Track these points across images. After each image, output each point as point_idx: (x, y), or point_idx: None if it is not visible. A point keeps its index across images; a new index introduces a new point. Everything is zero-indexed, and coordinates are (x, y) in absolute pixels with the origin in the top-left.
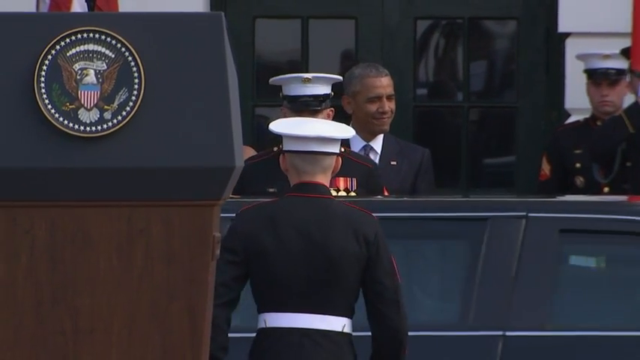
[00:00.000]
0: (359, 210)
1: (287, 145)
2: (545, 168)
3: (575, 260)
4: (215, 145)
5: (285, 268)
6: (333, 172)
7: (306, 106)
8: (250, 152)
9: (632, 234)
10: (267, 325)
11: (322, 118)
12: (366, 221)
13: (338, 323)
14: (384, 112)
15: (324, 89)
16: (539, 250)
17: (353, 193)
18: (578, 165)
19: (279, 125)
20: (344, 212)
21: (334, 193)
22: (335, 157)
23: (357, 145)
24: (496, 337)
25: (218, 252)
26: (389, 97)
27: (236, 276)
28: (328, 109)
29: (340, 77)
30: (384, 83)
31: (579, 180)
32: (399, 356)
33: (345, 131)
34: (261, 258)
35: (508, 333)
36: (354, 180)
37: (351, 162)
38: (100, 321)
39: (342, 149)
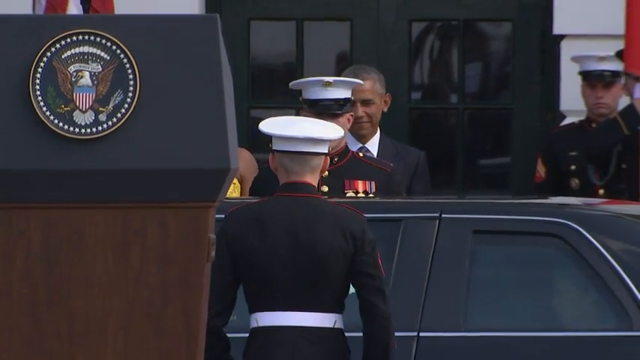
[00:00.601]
0: (346, 208)
1: (276, 145)
2: (541, 170)
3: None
4: (210, 147)
5: (274, 268)
6: (321, 171)
7: (327, 110)
8: (245, 154)
9: (546, 235)
10: (259, 325)
11: (342, 122)
12: (353, 219)
13: (328, 320)
14: (357, 118)
15: (345, 93)
16: (452, 251)
17: (372, 196)
18: (573, 167)
19: (269, 125)
20: (331, 211)
21: (352, 195)
22: (324, 156)
23: (353, 147)
24: (410, 338)
25: (213, 254)
26: (365, 103)
27: (228, 280)
28: (348, 114)
29: (361, 81)
30: (358, 88)
31: (574, 182)
32: (388, 344)
33: (334, 132)
34: (249, 258)
35: (422, 334)
36: (373, 183)
37: (368, 166)
38: (96, 323)
39: (360, 154)
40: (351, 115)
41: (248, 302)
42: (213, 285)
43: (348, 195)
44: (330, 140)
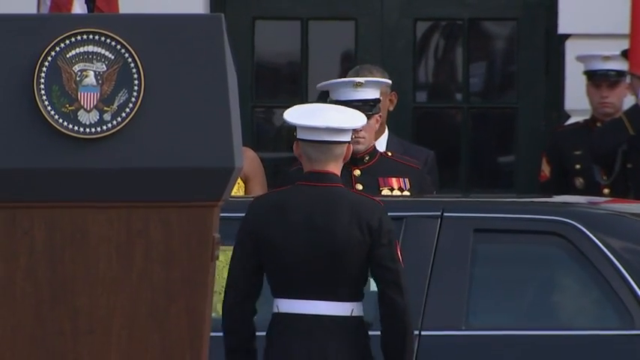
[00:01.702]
0: (366, 197)
1: (300, 134)
2: (545, 169)
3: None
4: (214, 145)
5: (293, 256)
6: (344, 159)
7: None
8: (249, 153)
9: (548, 233)
10: (280, 311)
11: (372, 123)
12: (370, 209)
13: (346, 308)
14: None
15: (374, 94)
16: (454, 250)
17: (407, 193)
18: (577, 166)
19: (293, 114)
20: (350, 201)
21: (388, 192)
22: (346, 144)
23: None
24: None
25: (217, 253)
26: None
27: (253, 266)
28: (377, 115)
29: (390, 82)
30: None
31: (579, 181)
32: (405, 337)
33: (357, 120)
34: (270, 245)
35: (423, 332)
36: (407, 180)
37: (399, 164)
38: (100, 321)
39: (389, 153)
40: (380, 116)
41: (270, 286)
42: (238, 271)
43: (383, 193)
44: (351, 129)
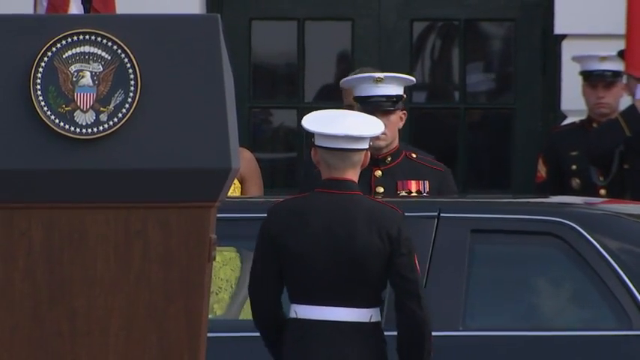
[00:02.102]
0: (385, 205)
1: (318, 141)
2: (542, 170)
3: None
4: (211, 146)
5: (313, 263)
6: (362, 165)
7: (378, 107)
8: (246, 154)
9: (545, 234)
10: (298, 316)
11: (394, 119)
12: (389, 217)
13: (365, 314)
14: None
15: (397, 90)
16: (450, 250)
17: (425, 195)
18: (574, 167)
19: (311, 121)
20: (369, 208)
21: (405, 195)
22: (364, 152)
23: None
24: None
25: (214, 254)
26: None
27: (274, 271)
28: (401, 112)
29: (413, 79)
30: None
31: (575, 182)
32: (422, 348)
33: (375, 128)
34: (290, 252)
35: None
36: (426, 183)
37: (421, 166)
38: (98, 323)
39: (413, 154)
40: (404, 113)
41: (288, 292)
42: (262, 278)
43: (400, 195)
44: (369, 138)
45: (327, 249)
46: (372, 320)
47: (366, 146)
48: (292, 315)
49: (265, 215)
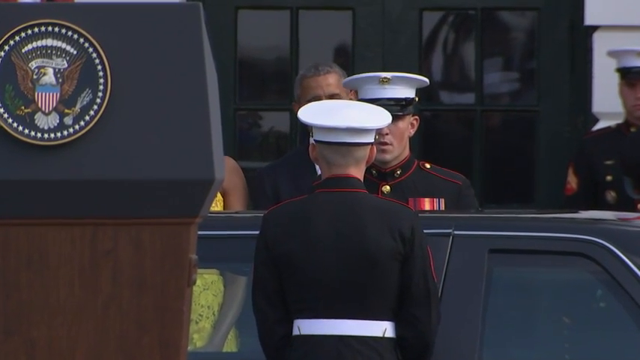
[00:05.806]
0: (395, 203)
1: (316, 135)
2: (572, 181)
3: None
4: (191, 154)
5: (317, 271)
6: (367, 162)
7: None
8: (230, 163)
9: (574, 254)
10: (301, 333)
11: (403, 126)
12: (402, 215)
13: (378, 328)
14: None
15: (406, 92)
16: (466, 273)
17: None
18: (609, 178)
19: (308, 113)
20: (378, 206)
21: None
22: (369, 146)
23: None
24: None
25: (195, 277)
26: (332, 97)
27: (276, 289)
28: (412, 117)
29: (426, 80)
30: (323, 82)
31: (610, 195)
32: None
33: (382, 119)
34: (291, 262)
35: None
36: (442, 200)
37: (436, 179)
38: (60, 356)
39: (427, 164)
40: (416, 119)
41: (289, 307)
42: (263, 295)
43: None
44: (375, 129)
45: (334, 253)
46: (386, 335)
47: (371, 140)
48: (295, 332)
49: (256, 231)
